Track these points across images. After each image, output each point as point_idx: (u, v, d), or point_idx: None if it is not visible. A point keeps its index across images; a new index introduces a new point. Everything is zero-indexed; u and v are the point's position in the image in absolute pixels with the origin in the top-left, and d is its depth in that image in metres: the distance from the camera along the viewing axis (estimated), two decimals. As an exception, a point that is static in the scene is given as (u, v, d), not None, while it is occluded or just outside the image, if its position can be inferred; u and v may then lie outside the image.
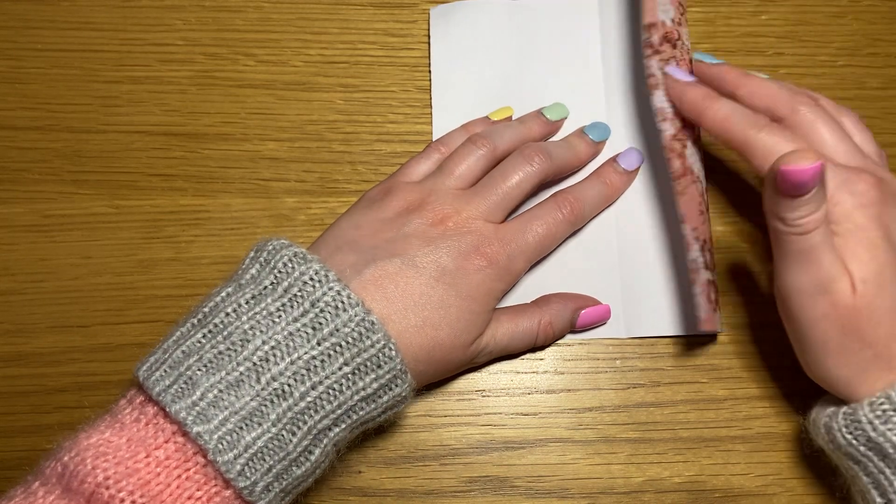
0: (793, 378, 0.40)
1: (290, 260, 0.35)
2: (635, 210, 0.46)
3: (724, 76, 0.43)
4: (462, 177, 0.42)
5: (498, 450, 0.43)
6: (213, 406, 0.33)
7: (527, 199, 0.44)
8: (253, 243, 0.38)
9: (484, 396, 0.44)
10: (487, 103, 0.47)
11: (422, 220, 0.40)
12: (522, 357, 0.45)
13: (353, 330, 0.34)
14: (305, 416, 0.34)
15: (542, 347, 0.44)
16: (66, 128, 0.47)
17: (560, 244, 0.45)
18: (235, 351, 0.33)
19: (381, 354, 0.35)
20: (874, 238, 0.36)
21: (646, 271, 0.45)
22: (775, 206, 0.36)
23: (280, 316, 0.34)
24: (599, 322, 0.45)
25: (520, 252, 0.41)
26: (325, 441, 0.35)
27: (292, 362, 0.34)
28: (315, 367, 0.34)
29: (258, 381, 0.33)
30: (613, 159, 0.46)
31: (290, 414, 0.33)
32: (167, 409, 0.32)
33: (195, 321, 0.35)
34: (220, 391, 0.33)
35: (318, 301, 0.34)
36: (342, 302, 0.34)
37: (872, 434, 0.36)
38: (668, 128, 0.43)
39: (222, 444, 0.32)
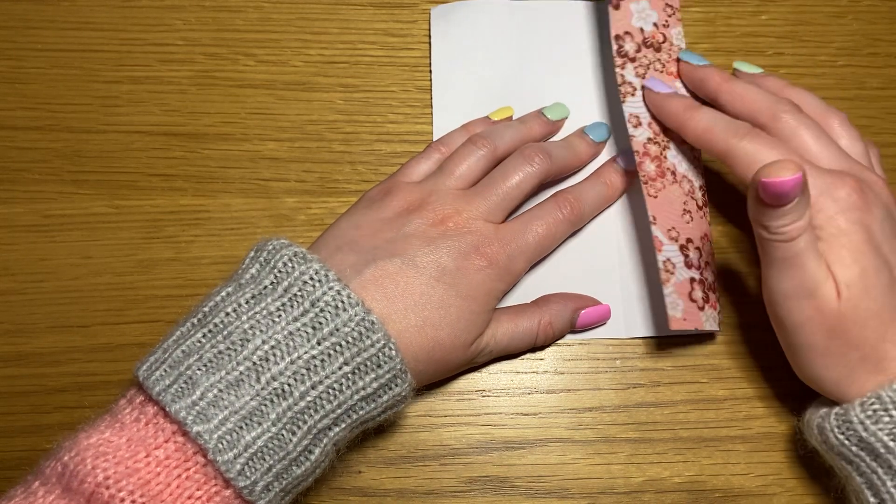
0: (792, 378, 0.40)
1: (290, 259, 0.35)
2: (635, 210, 0.46)
3: (708, 79, 0.43)
4: (462, 177, 0.42)
5: (498, 450, 0.43)
6: (213, 405, 0.33)
7: (527, 199, 0.44)
8: (253, 243, 0.38)
9: (484, 396, 0.44)
10: (488, 103, 0.47)
11: (422, 220, 0.40)
12: (522, 357, 0.45)
13: (353, 329, 0.34)
14: (305, 416, 0.34)
15: (542, 347, 0.44)
16: (66, 128, 0.47)
17: (560, 244, 0.45)
18: (235, 350, 0.33)
19: (381, 354, 0.35)
20: (857, 242, 0.37)
21: (647, 272, 0.45)
22: (758, 214, 0.36)
23: (280, 315, 0.34)
24: (599, 322, 0.45)
25: (520, 252, 0.41)
26: (325, 440, 0.35)
27: (292, 362, 0.34)
28: (315, 366, 0.34)
29: (258, 380, 0.33)
30: (613, 159, 0.46)
31: (289, 413, 0.33)
32: (167, 409, 0.32)
33: (195, 321, 0.35)
34: (220, 391, 0.33)
35: (318, 301, 0.34)
36: (342, 301, 0.34)
37: (864, 434, 0.36)
38: (643, 132, 0.44)
39: (222, 444, 0.32)
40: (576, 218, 0.43)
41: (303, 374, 0.34)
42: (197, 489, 0.32)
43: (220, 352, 0.34)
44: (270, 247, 0.36)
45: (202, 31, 0.49)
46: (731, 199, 0.47)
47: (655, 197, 0.42)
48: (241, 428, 0.33)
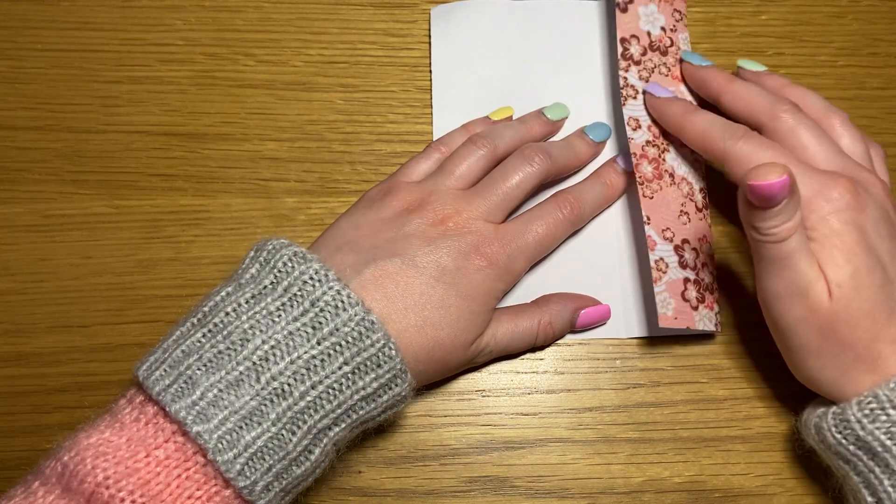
0: (792, 378, 0.40)
1: (290, 259, 0.35)
2: (635, 210, 0.46)
3: (710, 80, 0.44)
4: (462, 177, 0.42)
5: (498, 450, 0.43)
6: (213, 405, 0.32)
7: (527, 199, 0.44)
8: (253, 243, 0.38)
9: (484, 396, 0.44)
10: (488, 103, 0.47)
11: (422, 220, 0.40)
12: (522, 357, 0.45)
13: (352, 329, 0.34)
14: (305, 416, 0.34)
15: (542, 347, 0.44)
16: (66, 128, 0.47)
17: (560, 244, 0.45)
18: (235, 350, 0.33)
19: (380, 354, 0.35)
20: (849, 242, 0.37)
21: (646, 271, 0.45)
22: (749, 216, 0.36)
23: (280, 315, 0.34)
24: (599, 322, 0.45)
25: (520, 252, 0.41)
26: (324, 440, 0.35)
27: (292, 362, 0.34)
28: (315, 366, 0.34)
29: (258, 380, 0.33)
30: (613, 159, 0.46)
31: (289, 413, 0.33)
32: (167, 409, 0.32)
33: (195, 321, 0.35)
34: (220, 390, 0.33)
35: (317, 300, 0.34)
36: (342, 301, 0.34)
37: (861, 433, 0.36)
38: (642, 135, 0.44)
39: (222, 444, 0.32)
40: (576, 218, 0.43)
41: (303, 374, 0.34)
42: (197, 489, 0.32)
43: (219, 352, 0.34)
44: (270, 246, 0.36)
45: (202, 31, 0.49)
46: (733, 199, 0.47)
47: (651, 198, 0.43)
48: (240, 428, 0.33)
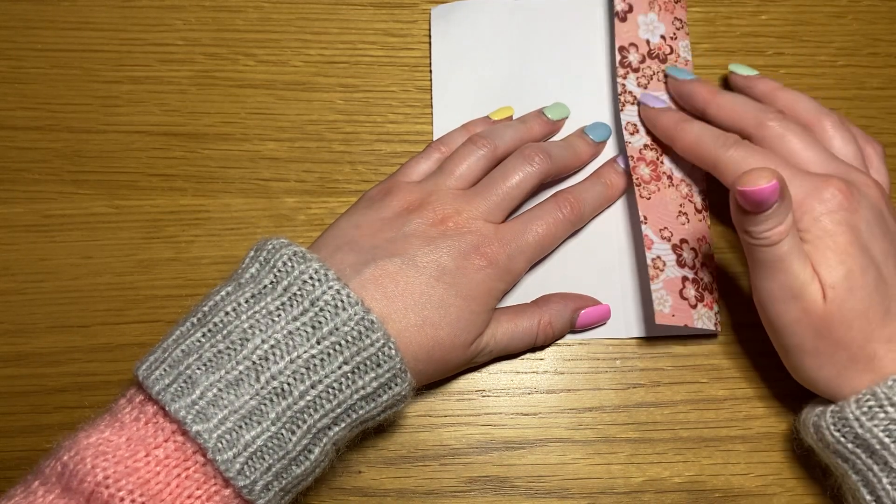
0: (792, 378, 0.40)
1: (290, 259, 0.35)
2: (635, 211, 0.46)
3: (695, 94, 0.44)
4: (462, 177, 0.42)
5: (498, 450, 0.43)
6: (213, 405, 0.32)
7: (527, 199, 0.44)
8: (253, 243, 0.38)
9: (484, 396, 0.44)
10: (488, 103, 0.47)
11: (422, 220, 0.40)
12: (522, 357, 0.45)
13: (352, 329, 0.34)
14: (305, 415, 0.34)
15: (542, 347, 0.44)
16: (66, 128, 0.47)
17: (560, 244, 0.45)
18: (235, 350, 0.33)
19: (380, 353, 0.35)
20: (842, 243, 0.37)
21: (646, 271, 0.45)
22: (741, 221, 0.36)
23: (279, 315, 0.34)
24: (599, 322, 0.45)
25: (520, 252, 0.41)
26: (324, 440, 0.35)
27: (292, 361, 0.34)
28: (314, 365, 0.34)
29: (257, 379, 0.33)
30: (613, 159, 0.46)
31: (289, 413, 0.33)
32: (166, 408, 0.32)
33: (195, 320, 0.35)
34: (220, 390, 0.33)
35: (317, 300, 0.34)
36: (342, 301, 0.34)
37: (859, 431, 0.36)
38: (640, 139, 0.45)
39: (222, 443, 0.32)
40: (576, 218, 0.43)
41: (302, 374, 0.34)
42: (196, 488, 0.32)
43: (219, 351, 0.34)
44: (270, 246, 0.36)
45: (202, 31, 0.49)
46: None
47: (648, 199, 0.43)
48: (240, 427, 0.33)
